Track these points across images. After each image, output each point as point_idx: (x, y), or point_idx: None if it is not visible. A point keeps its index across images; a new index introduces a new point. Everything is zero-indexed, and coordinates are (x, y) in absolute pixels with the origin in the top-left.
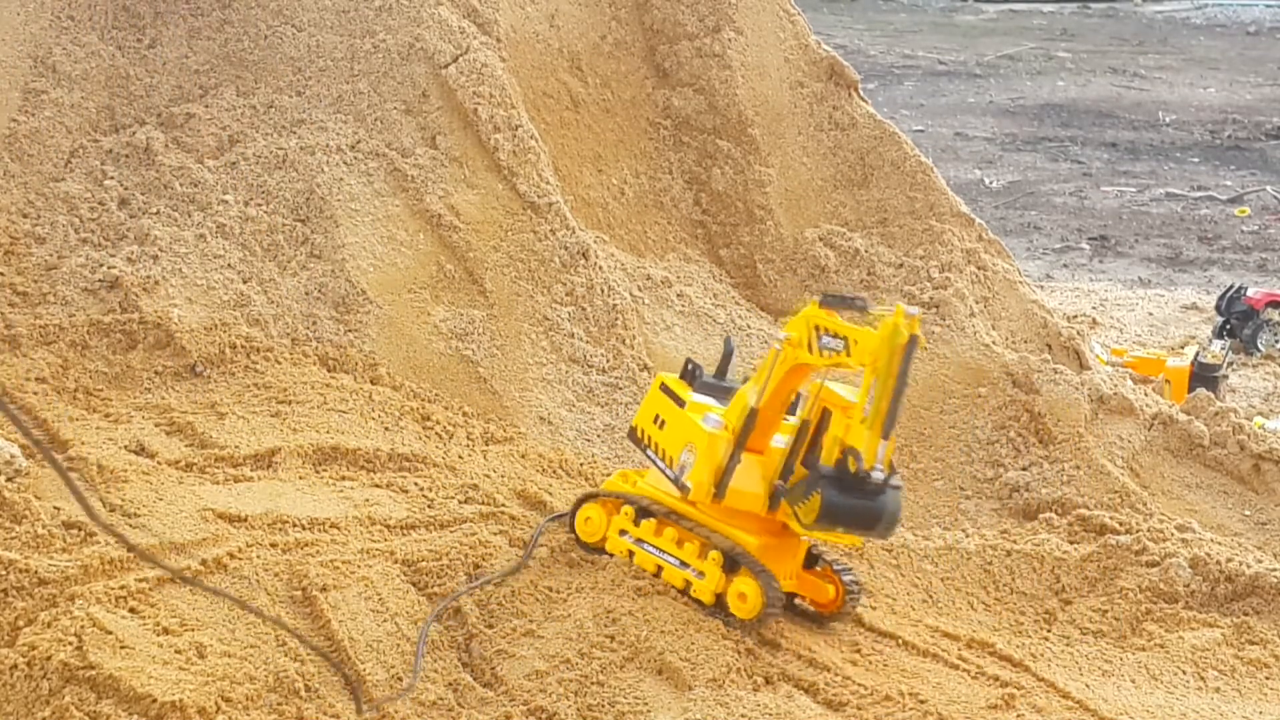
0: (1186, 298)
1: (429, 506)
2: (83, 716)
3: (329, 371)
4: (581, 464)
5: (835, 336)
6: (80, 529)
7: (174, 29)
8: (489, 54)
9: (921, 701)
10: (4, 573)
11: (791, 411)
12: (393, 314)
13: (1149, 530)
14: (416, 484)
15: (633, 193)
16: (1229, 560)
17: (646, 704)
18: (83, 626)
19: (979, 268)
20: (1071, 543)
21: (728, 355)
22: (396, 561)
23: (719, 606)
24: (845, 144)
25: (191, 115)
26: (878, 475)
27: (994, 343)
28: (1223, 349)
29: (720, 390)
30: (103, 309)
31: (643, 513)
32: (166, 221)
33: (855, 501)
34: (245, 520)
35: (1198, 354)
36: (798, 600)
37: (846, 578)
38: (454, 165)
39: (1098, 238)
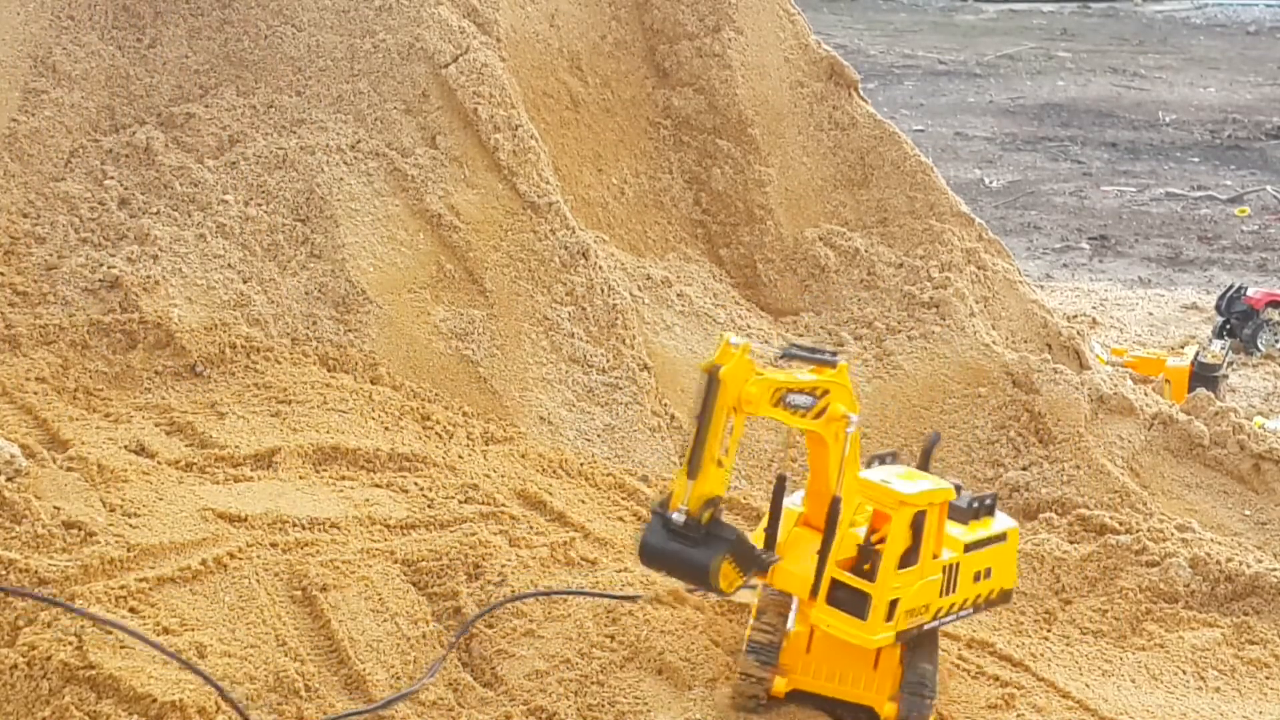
0: (1186, 298)
1: (429, 506)
2: (83, 716)
3: (329, 371)
4: (581, 464)
5: None
6: (80, 529)
7: (174, 29)
8: (489, 54)
9: None
10: (4, 573)
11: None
12: (393, 314)
13: (1149, 530)
14: (416, 484)
15: (633, 192)
16: (1229, 560)
17: (646, 704)
18: (83, 626)
19: (979, 267)
20: (1071, 543)
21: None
22: (396, 561)
23: None
24: (845, 144)
25: (191, 115)
26: (677, 518)
27: (994, 343)
28: (1223, 349)
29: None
30: (103, 309)
31: None
32: (166, 221)
33: (670, 546)
34: (245, 520)
35: (1198, 354)
36: None
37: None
38: (454, 165)
39: (1098, 238)
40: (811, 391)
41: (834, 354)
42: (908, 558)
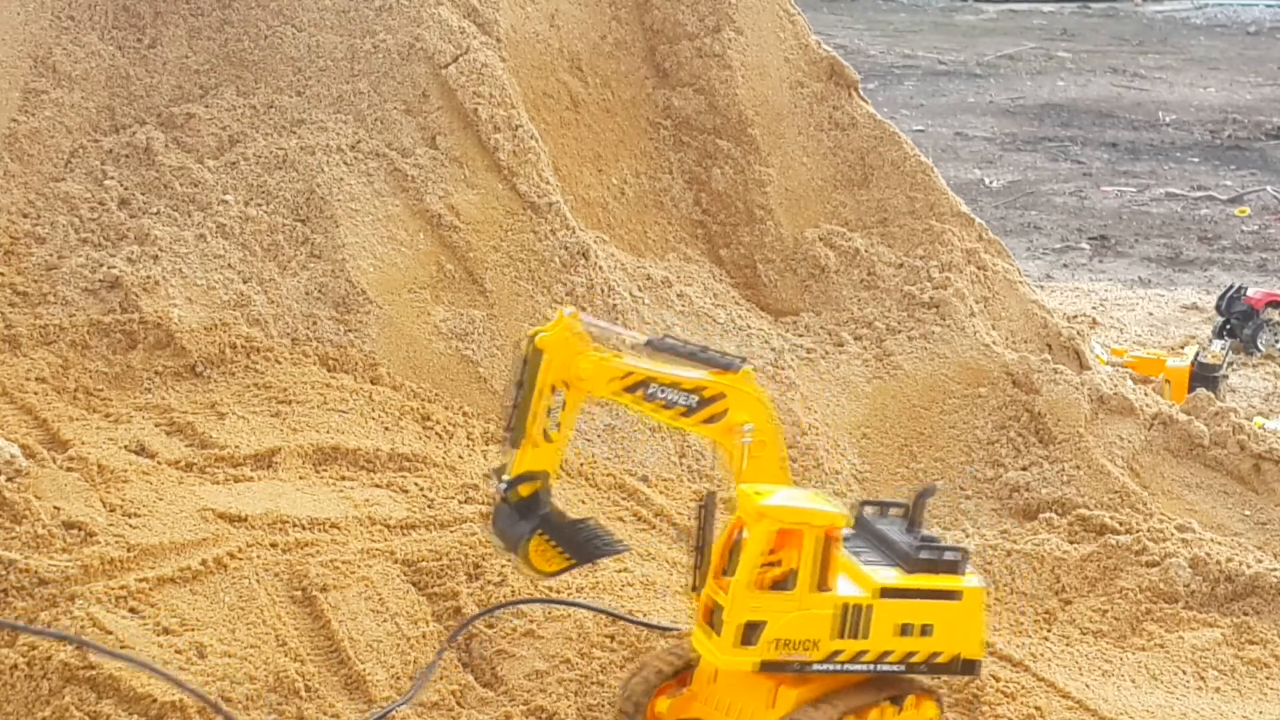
0: (1186, 298)
1: (429, 506)
2: (83, 716)
3: (329, 371)
4: (581, 464)
5: None
6: (80, 529)
7: (174, 29)
8: (489, 54)
9: None
10: (4, 573)
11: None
12: (393, 314)
13: (1149, 530)
14: (416, 484)
15: (633, 193)
16: (1229, 560)
17: None
18: (83, 626)
19: (979, 268)
20: (1071, 543)
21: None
22: (396, 561)
23: None
24: (845, 144)
25: (191, 115)
26: (499, 486)
27: (994, 343)
28: (1223, 349)
29: None
30: (103, 309)
31: None
32: (166, 221)
33: (499, 517)
34: (245, 520)
35: (1198, 354)
36: None
37: None
38: (454, 165)
39: (1098, 238)
40: (694, 391)
41: (739, 359)
42: (783, 581)
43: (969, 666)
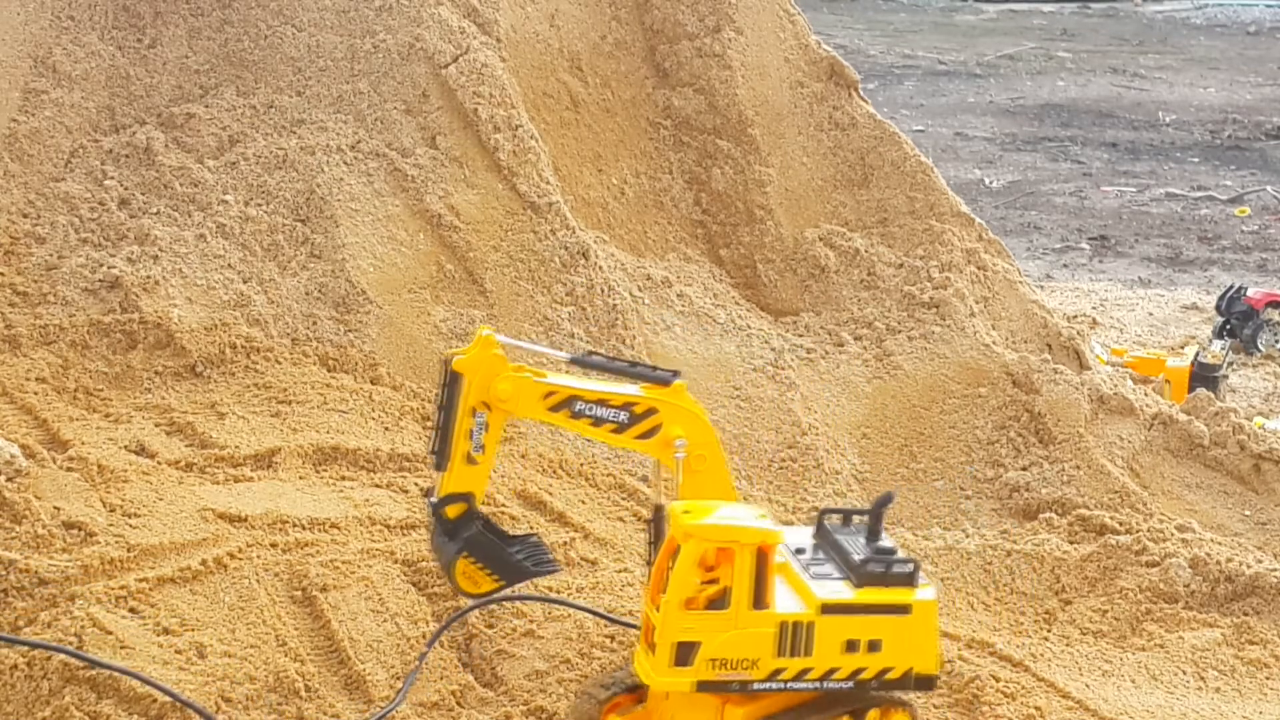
0: (1186, 298)
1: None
2: (83, 716)
3: (329, 371)
4: (581, 464)
5: None
6: (80, 529)
7: (174, 29)
8: (489, 54)
9: None
10: (4, 573)
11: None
12: (393, 314)
13: (1149, 530)
14: (416, 484)
15: (633, 193)
16: (1229, 560)
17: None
18: (83, 626)
19: (979, 268)
20: (1071, 543)
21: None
22: (396, 561)
23: None
24: (845, 144)
25: (191, 115)
26: (431, 503)
27: (994, 343)
28: (1223, 349)
29: None
30: (103, 309)
31: None
32: (166, 221)
33: (434, 538)
34: (245, 520)
35: (1198, 354)
36: None
37: None
38: (454, 165)
39: (1098, 238)
40: (624, 406)
41: (671, 373)
42: (719, 600)
43: (924, 682)
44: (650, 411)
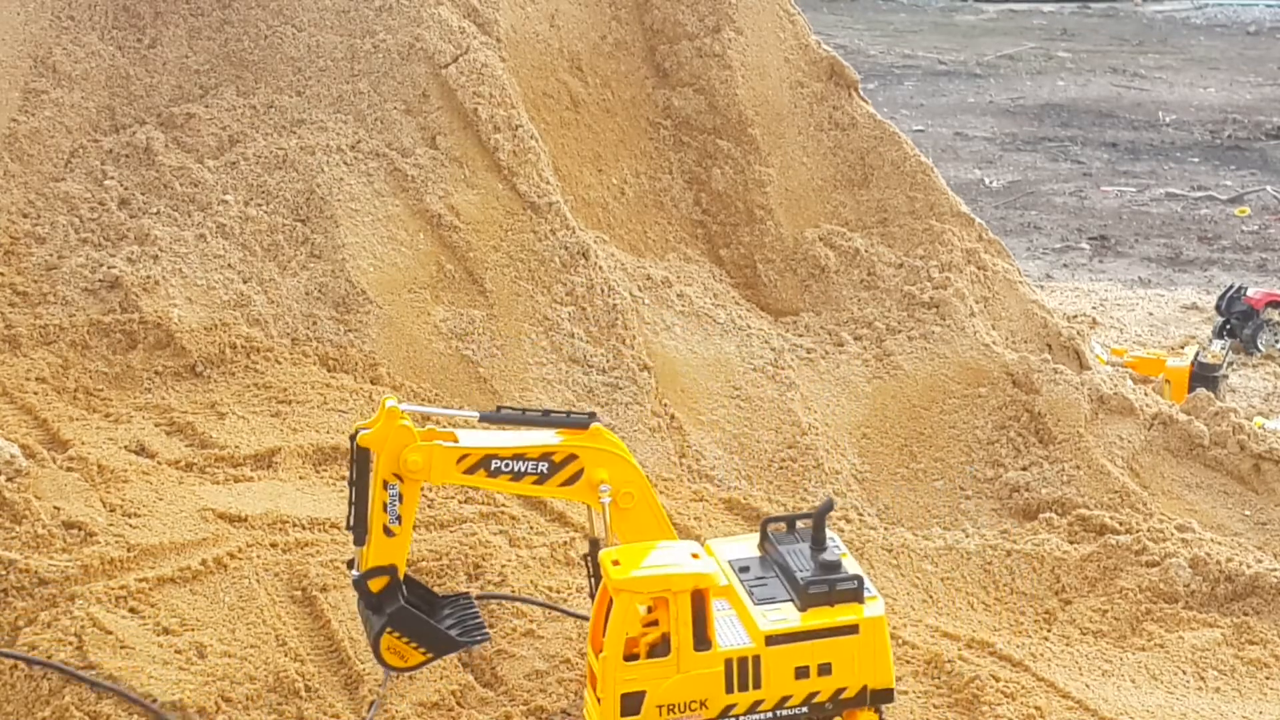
0: (1186, 298)
1: (429, 506)
2: (83, 716)
3: (329, 371)
4: None
5: None
6: (80, 529)
7: (174, 29)
8: (489, 54)
9: None
10: (4, 573)
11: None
12: (393, 314)
13: (1149, 530)
14: None
15: (633, 193)
16: (1229, 560)
17: None
18: (83, 626)
19: (979, 268)
20: (1071, 543)
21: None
22: None
23: None
24: (845, 144)
25: (191, 115)
26: (354, 578)
27: (994, 343)
28: (1223, 349)
29: None
30: (103, 309)
31: None
32: (166, 221)
33: (361, 610)
34: (245, 520)
35: (1198, 354)
36: None
37: None
38: (454, 165)
39: (1098, 238)
40: (542, 458)
41: (588, 415)
42: (661, 645)
43: (880, 696)
44: (570, 458)
